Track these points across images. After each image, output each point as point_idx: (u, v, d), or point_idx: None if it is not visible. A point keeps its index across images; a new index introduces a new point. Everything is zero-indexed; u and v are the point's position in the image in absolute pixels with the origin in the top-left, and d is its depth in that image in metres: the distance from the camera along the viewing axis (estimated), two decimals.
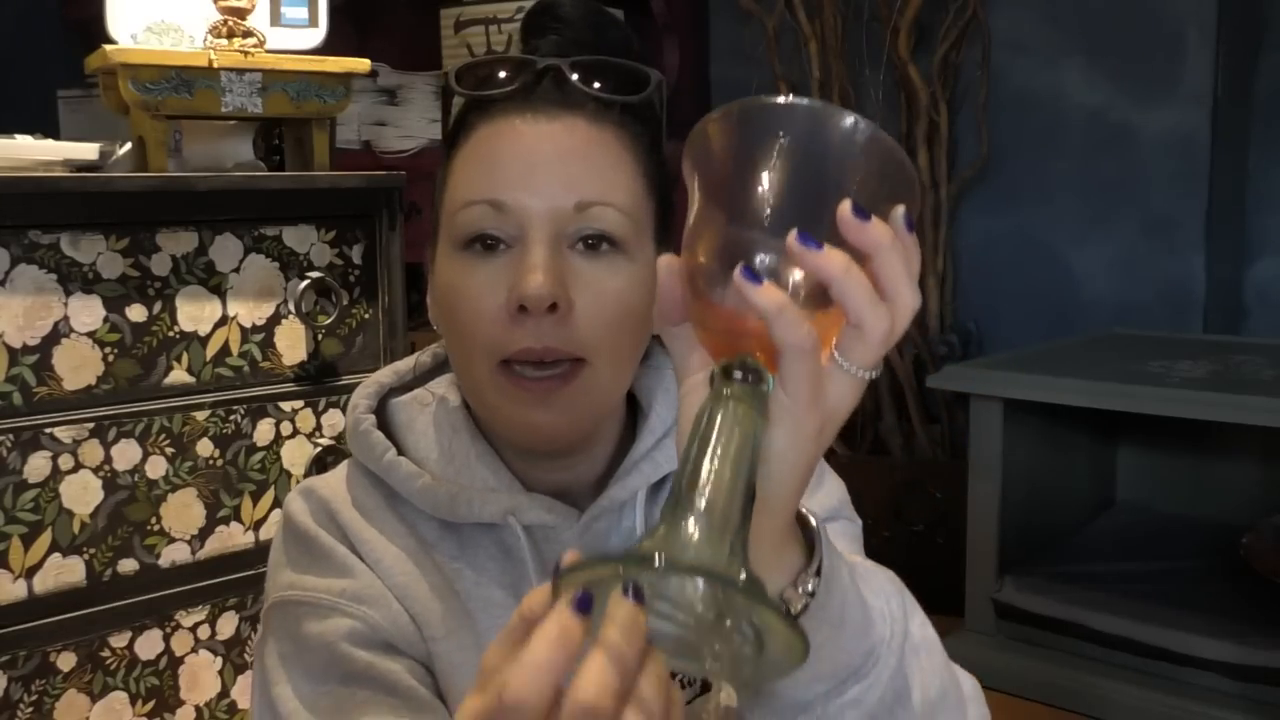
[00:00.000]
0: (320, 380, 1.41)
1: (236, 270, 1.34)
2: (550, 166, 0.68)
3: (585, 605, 0.43)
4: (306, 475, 1.37)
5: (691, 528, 0.44)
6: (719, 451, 0.46)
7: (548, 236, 0.67)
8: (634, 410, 0.78)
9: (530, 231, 0.67)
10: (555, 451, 0.73)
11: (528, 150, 0.68)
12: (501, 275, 0.67)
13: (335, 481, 0.76)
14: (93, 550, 1.25)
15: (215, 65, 1.33)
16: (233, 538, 1.35)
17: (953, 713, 0.63)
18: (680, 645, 0.46)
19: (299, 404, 1.39)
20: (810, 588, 0.54)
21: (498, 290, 0.67)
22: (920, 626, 0.62)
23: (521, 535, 0.71)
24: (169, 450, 1.29)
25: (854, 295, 0.47)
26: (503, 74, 0.71)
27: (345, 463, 0.78)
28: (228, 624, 1.35)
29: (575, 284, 0.67)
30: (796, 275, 0.47)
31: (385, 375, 0.80)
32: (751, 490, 0.46)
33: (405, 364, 0.82)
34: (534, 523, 0.72)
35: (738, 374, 0.48)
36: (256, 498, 1.37)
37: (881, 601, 0.60)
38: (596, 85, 0.70)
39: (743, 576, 0.44)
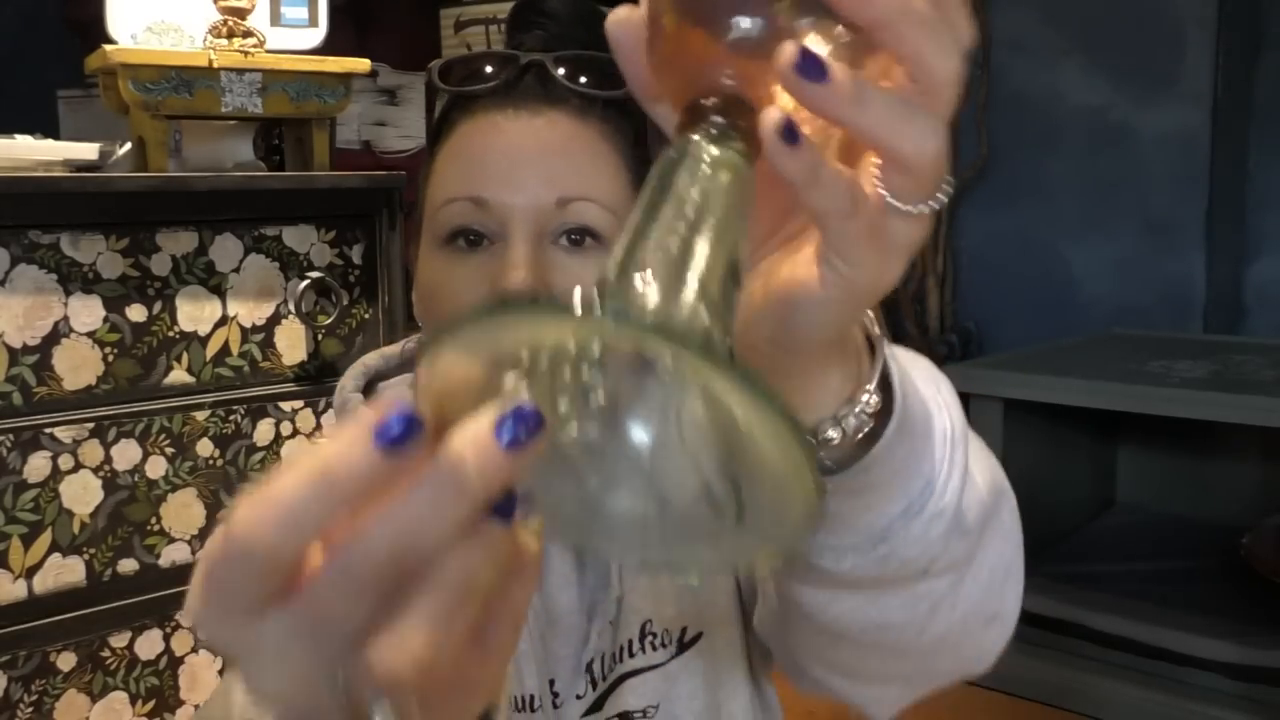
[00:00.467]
0: (320, 380, 1.41)
1: (236, 270, 1.33)
2: (532, 162, 0.68)
3: (399, 430, 0.28)
4: None
5: (641, 285, 0.29)
6: (684, 210, 0.31)
7: (529, 232, 0.67)
8: None
9: (512, 228, 0.67)
10: None
11: (509, 146, 0.68)
12: (483, 272, 0.67)
13: None
14: (93, 550, 1.25)
15: (215, 65, 1.33)
16: None
17: (1005, 500, 0.53)
18: (591, 517, 0.32)
19: (299, 404, 1.39)
20: (872, 404, 0.43)
21: (480, 287, 0.67)
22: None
23: None
24: (169, 450, 1.29)
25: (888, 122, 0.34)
26: (486, 70, 0.71)
27: None
28: None
29: (557, 280, 0.67)
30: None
31: (373, 358, 0.81)
32: (735, 266, 0.32)
33: (393, 349, 0.82)
34: None
35: (715, 116, 0.33)
36: None
37: (933, 390, 0.49)
38: (580, 80, 0.70)
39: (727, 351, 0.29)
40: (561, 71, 0.69)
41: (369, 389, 0.78)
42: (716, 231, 0.31)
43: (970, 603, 0.50)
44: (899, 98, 0.35)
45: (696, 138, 0.33)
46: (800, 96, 0.33)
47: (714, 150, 0.33)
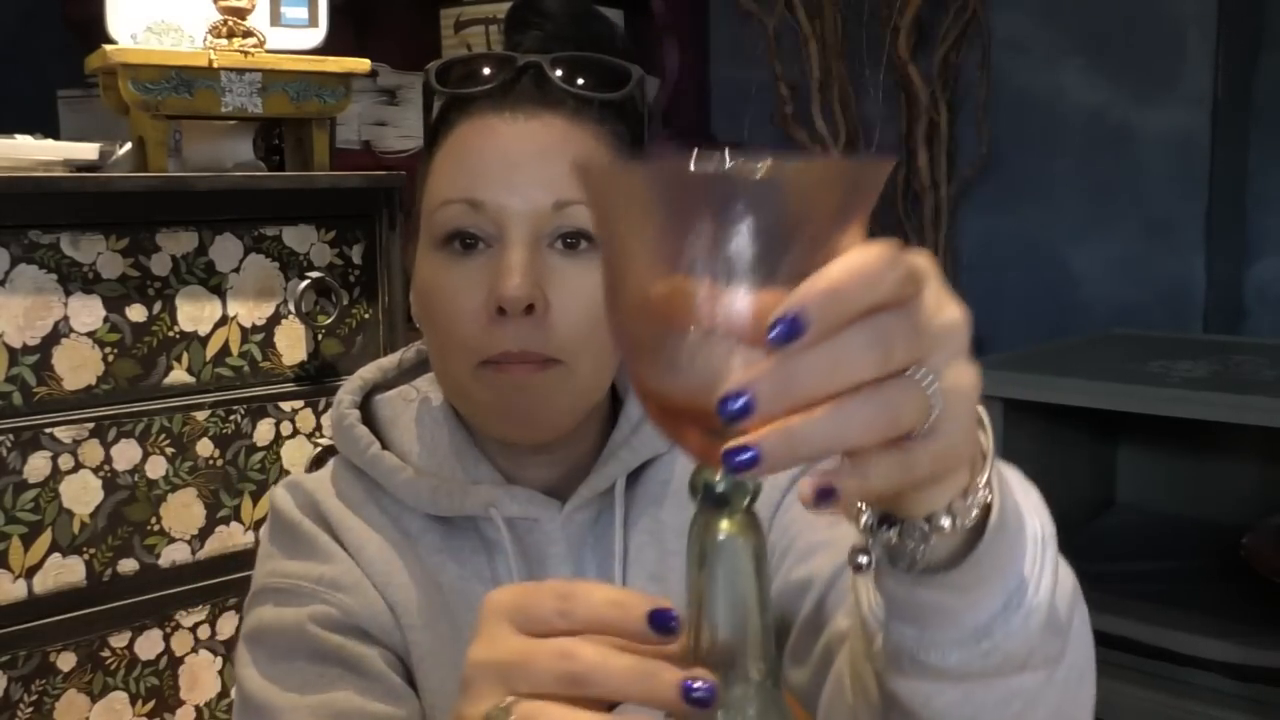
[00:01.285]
0: (320, 380, 1.41)
1: (236, 270, 1.33)
2: (528, 165, 0.68)
3: (664, 622, 0.42)
4: None
5: None
6: (722, 611, 0.42)
7: (526, 236, 0.67)
8: (618, 403, 0.79)
9: (508, 231, 0.67)
10: (538, 447, 0.73)
11: (506, 149, 0.68)
12: (480, 275, 0.67)
13: (321, 476, 0.77)
14: (93, 550, 1.25)
15: (215, 65, 1.33)
16: (233, 538, 1.35)
17: (1080, 605, 0.54)
18: None
19: (299, 404, 1.39)
20: (985, 498, 0.45)
21: (476, 290, 0.67)
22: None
23: (503, 528, 0.71)
24: (169, 450, 1.29)
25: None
26: (483, 71, 0.71)
27: (331, 460, 0.79)
28: (228, 624, 1.35)
29: (553, 283, 0.67)
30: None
31: (370, 371, 0.81)
32: (769, 631, 0.43)
33: (389, 360, 0.82)
34: (515, 515, 0.72)
35: (720, 489, 0.41)
36: (256, 498, 1.37)
37: (1023, 495, 0.51)
38: (577, 82, 0.70)
39: None
40: (558, 73, 0.70)
41: (366, 402, 0.78)
42: (751, 614, 0.42)
43: (1053, 704, 0.51)
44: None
45: (712, 523, 0.41)
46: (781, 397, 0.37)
47: (726, 527, 0.41)
